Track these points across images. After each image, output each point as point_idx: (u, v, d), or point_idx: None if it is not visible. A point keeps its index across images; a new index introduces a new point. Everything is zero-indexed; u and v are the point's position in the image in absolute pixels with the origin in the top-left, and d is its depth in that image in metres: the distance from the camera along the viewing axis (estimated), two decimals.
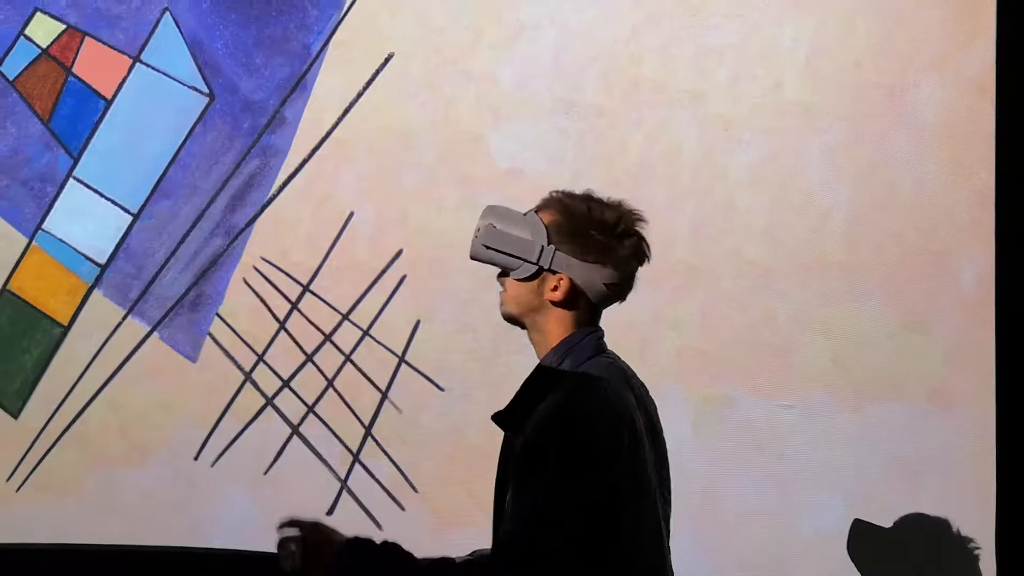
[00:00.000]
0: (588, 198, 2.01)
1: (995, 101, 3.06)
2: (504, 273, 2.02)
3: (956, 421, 3.05)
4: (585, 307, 2.00)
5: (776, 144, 3.18)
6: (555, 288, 1.97)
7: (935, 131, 3.10)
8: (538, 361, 2.02)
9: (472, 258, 2.02)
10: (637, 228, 2.01)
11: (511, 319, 2.03)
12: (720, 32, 3.21)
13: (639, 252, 2.01)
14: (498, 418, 1.99)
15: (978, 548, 2.97)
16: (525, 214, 2.00)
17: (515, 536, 1.80)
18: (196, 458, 3.52)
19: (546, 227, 1.97)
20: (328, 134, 3.46)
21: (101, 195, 3.61)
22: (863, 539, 3.06)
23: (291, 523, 1.87)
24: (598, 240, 1.97)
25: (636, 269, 2.03)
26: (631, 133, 3.26)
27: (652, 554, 1.92)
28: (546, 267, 1.96)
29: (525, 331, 2.04)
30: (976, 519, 3.01)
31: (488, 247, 1.99)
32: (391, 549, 1.87)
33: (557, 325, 1.99)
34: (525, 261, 1.97)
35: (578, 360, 1.96)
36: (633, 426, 1.91)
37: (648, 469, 1.93)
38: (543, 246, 1.96)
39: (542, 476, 1.81)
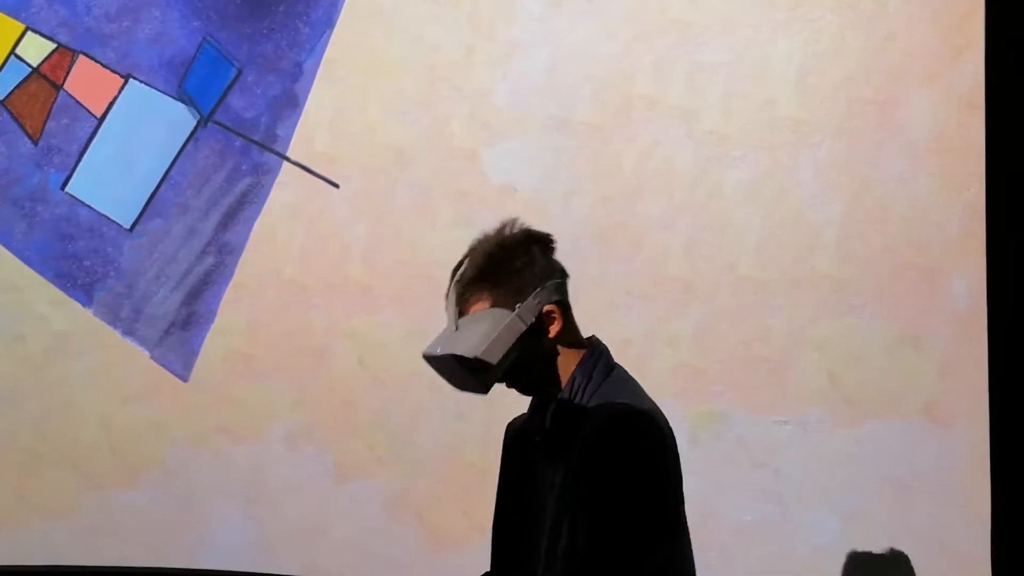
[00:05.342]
0: (476, 253, 1.95)
1: (985, 115, 3.06)
2: (511, 375, 1.95)
3: (950, 437, 3.05)
4: (570, 317, 2.00)
5: (769, 160, 3.18)
6: (551, 325, 1.95)
7: (927, 146, 3.11)
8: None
9: (486, 390, 1.93)
10: (521, 227, 1.98)
11: (539, 390, 1.98)
12: (712, 49, 3.21)
13: (535, 237, 1.98)
14: (541, 442, 1.96)
15: (973, 565, 2.97)
16: (472, 322, 1.90)
17: (602, 562, 1.80)
18: (189, 478, 3.49)
19: (492, 307, 1.91)
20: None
21: (93, 212, 3.60)
22: (858, 556, 3.05)
23: None
24: (524, 261, 1.94)
25: (552, 242, 2.00)
26: (624, 150, 3.26)
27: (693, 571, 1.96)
28: (533, 321, 1.91)
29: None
30: (971, 535, 3.00)
31: (489, 366, 1.88)
32: None
33: (566, 355, 1.97)
34: (521, 338, 1.90)
35: (600, 378, 1.95)
36: (674, 440, 1.95)
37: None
38: (512, 315, 1.90)
39: (622, 500, 1.83)
